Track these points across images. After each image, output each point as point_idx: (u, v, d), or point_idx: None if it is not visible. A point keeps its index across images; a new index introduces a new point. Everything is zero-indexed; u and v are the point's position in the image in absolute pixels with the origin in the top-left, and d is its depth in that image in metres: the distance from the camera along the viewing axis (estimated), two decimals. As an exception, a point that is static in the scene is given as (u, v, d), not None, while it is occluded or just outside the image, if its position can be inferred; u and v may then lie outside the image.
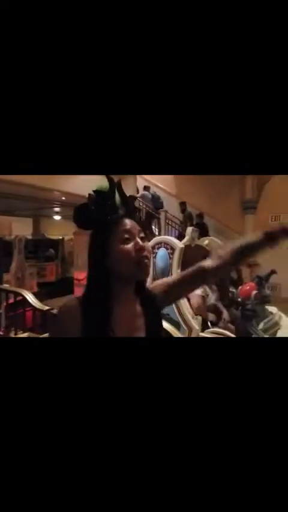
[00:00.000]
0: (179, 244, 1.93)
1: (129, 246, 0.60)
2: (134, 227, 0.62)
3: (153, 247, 2.02)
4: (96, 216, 0.61)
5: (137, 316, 0.65)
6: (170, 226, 6.16)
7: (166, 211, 6.24)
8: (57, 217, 9.23)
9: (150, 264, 0.63)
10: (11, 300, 2.28)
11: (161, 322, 0.70)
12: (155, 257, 2.00)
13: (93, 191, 0.63)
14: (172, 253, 1.91)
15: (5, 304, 2.30)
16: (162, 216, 6.23)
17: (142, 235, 0.63)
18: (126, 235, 0.61)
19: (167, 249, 1.94)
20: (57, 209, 7.81)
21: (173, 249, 1.91)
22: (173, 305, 1.87)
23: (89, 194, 0.63)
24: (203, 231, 5.89)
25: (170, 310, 1.89)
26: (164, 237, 2.14)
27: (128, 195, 0.66)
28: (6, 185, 4.30)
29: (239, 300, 2.43)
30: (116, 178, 0.65)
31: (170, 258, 1.92)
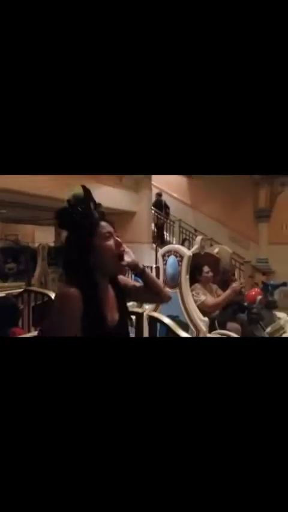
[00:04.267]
0: (187, 253, 2.05)
1: (110, 242, 0.72)
2: (108, 227, 0.74)
3: (163, 255, 2.15)
4: (77, 218, 0.70)
5: (113, 300, 0.77)
6: (184, 235, 6.33)
7: (180, 220, 6.44)
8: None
9: (124, 258, 0.76)
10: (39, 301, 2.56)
11: (126, 307, 0.83)
12: (165, 264, 2.14)
13: (72, 196, 0.71)
14: (181, 261, 2.05)
15: (33, 304, 2.58)
16: (176, 225, 6.43)
17: (117, 234, 0.75)
18: (107, 234, 0.72)
19: (176, 256, 2.08)
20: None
21: (182, 256, 2.05)
22: (182, 307, 2.02)
23: (68, 200, 0.71)
24: (160, 208, 6.06)
25: (179, 312, 2.03)
26: (173, 246, 2.22)
27: (97, 202, 0.76)
28: (29, 197, 4.70)
29: (245, 304, 2.56)
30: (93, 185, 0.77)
31: (179, 265, 2.07)
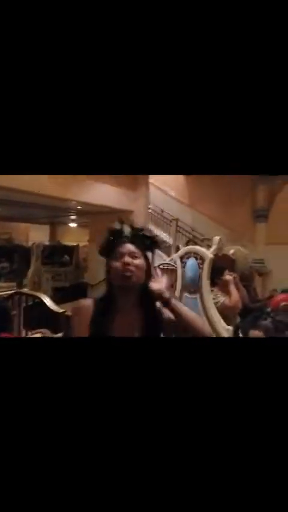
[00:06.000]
0: (209, 255, 1.91)
1: (118, 262, 0.78)
2: (128, 248, 0.80)
3: (182, 257, 2.01)
4: (111, 246, 0.82)
5: (131, 325, 0.79)
6: (181, 234, 6.26)
7: (177, 220, 6.36)
8: (72, 225, 9.53)
9: (134, 276, 0.77)
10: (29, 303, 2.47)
11: (159, 330, 0.82)
12: (183, 267, 2.00)
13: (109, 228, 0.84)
14: (202, 263, 1.91)
15: (24, 305, 2.48)
16: (173, 224, 6.34)
17: (136, 255, 0.80)
18: (118, 254, 0.79)
19: (196, 258, 1.95)
20: (73, 217, 8.09)
21: (202, 259, 1.91)
22: (203, 315, 1.86)
23: (108, 229, 0.84)
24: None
25: None
26: (193, 247, 2.09)
27: (140, 227, 0.86)
28: (24, 195, 4.58)
29: (268, 310, 2.46)
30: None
31: (199, 267, 1.92)
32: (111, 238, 0.83)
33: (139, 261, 0.80)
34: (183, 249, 2.07)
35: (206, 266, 1.88)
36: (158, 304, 0.83)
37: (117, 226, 0.84)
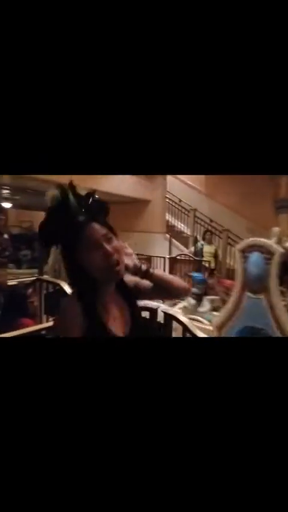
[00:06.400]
0: (279, 248, 1.63)
1: (97, 254, 0.60)
2: (97, 232, 0.60)
3: (243, 251, 1.77)
4: (59, 230, 0.59)
5: (121, 308, 0.70)
6: (199, 225, 6.18)
7: (195, 210, 6.27)
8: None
9: (121, 265, 0.64)
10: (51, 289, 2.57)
11: (139, 312, 0.76)
12: (245, 262, 1.74)
13: (50, 202, 0.60)
14: (270, 259, 1.64)
15: (45, 292, 2.58)
16: (191, 214, 6.26)
17: (109, 236, 0.62)
18: (92, 244, 0.59)
19: (261, 252, 1.70)
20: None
21: (270, 253, 1.65)
22: (271, 318, 1.63)
23: (48, 209, 0.60)
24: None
25: (266, 323, 1.63)
26: (258, 239, 1.79)
27: (85, 193, 0.63)
28: (43, 183, 4.68)
29: None
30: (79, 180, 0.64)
31: (266, 263, 1.66)
32: (58, 220, 0.59)
33: (116, 244, 0.63)
34: (245, 242, 1.81)
35: (276, 262, 1.61)
36: (132, 278, 0.74)
37: (58, 198, 0.59)
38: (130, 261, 0.72)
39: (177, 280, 0.79)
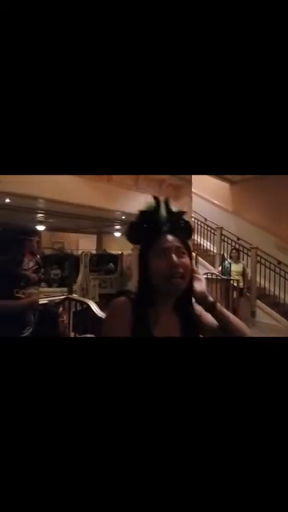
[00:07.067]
0: None
1: (163, 262, 0.63)
2: (172, 243, 0.64)
3: None
4: (143, 233, 0.67)
5: (174, 325, 0.68)
6: (226, 243, 6.08)
7: (222, 228, 6.20)
8: (117, 234, 9.94)
9: (184, 280, 0.65)
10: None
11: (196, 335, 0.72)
12: None
13: (145, 208, 0.68)
14: None
15: (74, 310, 2.68)
16: (217, 232, 6.20)
17: (182, 251, 0.65)
18: (162, 252, 0.63)
19: None
20: (117, 227, 8.45)
21: None
22: None
23: (140, 211, 0.69)
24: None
25: None
26: None
27: (178, 211, 0.70)
28: (74, 207, 4.97)
29: None
30: (166, 196, 0.71)
31: None
32: (145, 224, 0.67)
33: (186, 260, 0.65)
34: None
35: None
36: (198, 308, 0.72)
37: (151, 207, 0.67)
38: (199, 286, 0.70)
39: (241, 323, 0.74)
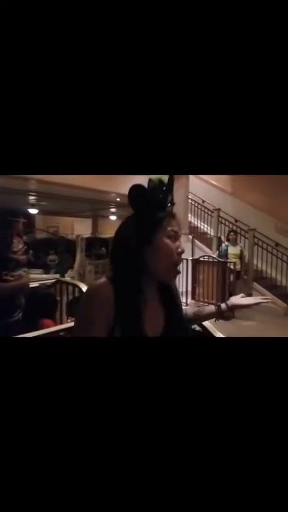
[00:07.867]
0: None
1: (173, 244, 0.61)
2: (179, 230, 0.63)
3: None
4: (150, 201, 0.62)
5: (158, 310, 0.67)
6: (223, 225, 5.98)
7: (219, 210, 6.08)
8: (113, 217, 9.79)
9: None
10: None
11: (176, 317, 0.71)
12: None
13: (156, 179, 0.64)
14: None
15: (69, 296, 2.60)
16: (215, 214, 6.08)
17: (178, 233, 0.64)
18: (173, 234, 0.61)
19: None
20: (113, 210, 8.28)
21: None
22: None
23: (150, 179, 0.65)
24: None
25: None
26: None
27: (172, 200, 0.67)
28: (69, 189, 4.80)
29: None
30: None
31: None
32: (161, 195, 0.62)
33: (182, 246, 0.64)
34: None
35: None
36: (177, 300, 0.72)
37: (163, 182, 0.63)
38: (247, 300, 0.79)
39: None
